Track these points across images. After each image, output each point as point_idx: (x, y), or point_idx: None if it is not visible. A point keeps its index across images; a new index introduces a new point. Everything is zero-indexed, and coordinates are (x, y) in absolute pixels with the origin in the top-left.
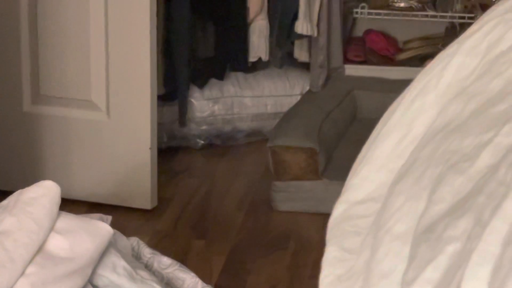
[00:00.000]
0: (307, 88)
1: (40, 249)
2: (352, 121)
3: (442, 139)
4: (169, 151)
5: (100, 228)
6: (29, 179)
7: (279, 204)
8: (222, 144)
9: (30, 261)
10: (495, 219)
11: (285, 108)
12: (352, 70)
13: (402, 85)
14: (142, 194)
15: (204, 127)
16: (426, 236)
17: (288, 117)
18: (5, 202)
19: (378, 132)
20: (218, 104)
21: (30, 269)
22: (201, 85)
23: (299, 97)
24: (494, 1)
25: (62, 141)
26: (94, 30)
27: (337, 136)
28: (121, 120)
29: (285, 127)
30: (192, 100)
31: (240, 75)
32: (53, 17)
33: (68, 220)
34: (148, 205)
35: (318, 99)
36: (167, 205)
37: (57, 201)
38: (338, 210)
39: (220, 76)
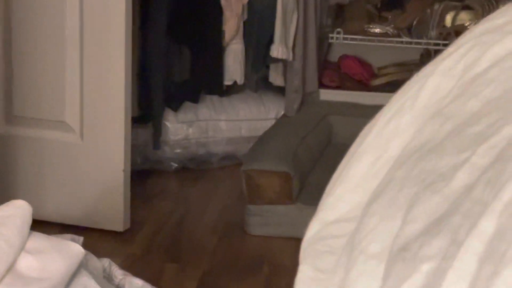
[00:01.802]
0: (282, 112)
1: (10, 269)
2: (326, 146)
3: (418, 160)
4: (143, 174)
5: (71, 249)
6: (0, 199)
7: (253, 228)
8: (196, 167)
9: (0, 281)
10: (471, 238)
11: (259, 132)
12: (327, 95)
13: (377, 110)
14: (115, 216)
15: (178, 150)
16: (401, 255)
17: (262, 141)
18: None
19: (353, 152)
20: (192, 128)
21: None
22: (176, 108)
23: (274, 121)
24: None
25: (35, 162)
26: (69, 51)
27: (311, 160)
28: (95, 142)
29: (260, 151)
30: (167, 123)
31: (215, 98)
32: (27, 38)
33: (39, 240)
34: (120, 228)
35: (293, 124)
36: (140, 228)
37: (28, 220)
38: (312, 230)
39: (195, 100)
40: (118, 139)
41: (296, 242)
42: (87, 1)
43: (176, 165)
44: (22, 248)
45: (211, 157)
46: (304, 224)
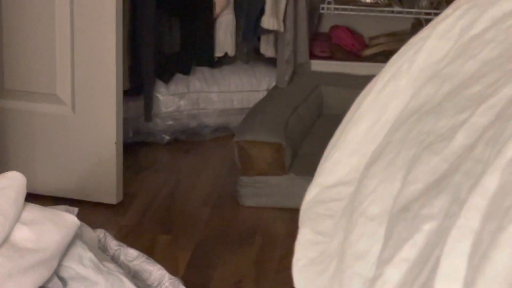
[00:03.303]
0: (274, 83)
1: (5, 240)
2: (318, 117)
3: (416, 121)
4: (135, 147)
5: (66, 220)
6: None
7: (245, 199)
8: (188, 139)
9: None
10: (473, 196)
11: (251, 104)
12: (318, 65)
13: (368, 80)
14: (108, 188)
15: (169, 123)
16: (402, 216)
17: (254, 113)
18: None
19: (351, 117)
20: (183, 100)
21: None
22: (167, 80)
23: (265, 93)
24: None
25: (27, 135)
26: (59, 23)
27: (303, 131)
28: (87, 115)
29: (252, 122)
30: (158, 95)
31: (206, 70)
32: (18, 10)
33: (34, 211)
34: (113, 200)
35: (285, 95)
36: (132, 200)
37: (23, 192)
38: (311, 194)
39: (186, 71)
40: (110, 111)
41: (288, 212)
42: None
43: (168, 137)
44: (17, 220)
45: (203, 129)
46: (296, 194)
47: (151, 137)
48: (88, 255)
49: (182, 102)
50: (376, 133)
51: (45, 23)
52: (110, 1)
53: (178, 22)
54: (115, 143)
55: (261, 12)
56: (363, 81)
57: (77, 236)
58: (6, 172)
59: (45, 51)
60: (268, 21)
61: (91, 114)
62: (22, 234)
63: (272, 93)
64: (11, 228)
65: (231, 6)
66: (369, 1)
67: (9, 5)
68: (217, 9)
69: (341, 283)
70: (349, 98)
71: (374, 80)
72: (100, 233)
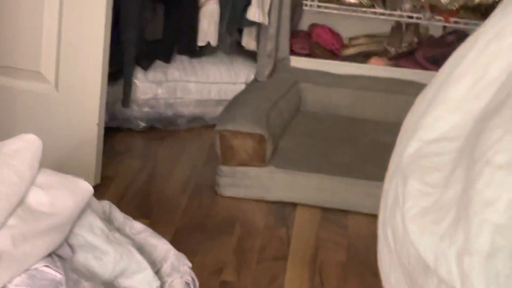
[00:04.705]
0: (251, 77)
1: (21, 202)
2: (296, 113)
3: None
4: (110, 132)
5: (80, 186)
6: None
7: (224, 189)
8: (163, 128)
9: (11, 213)
10: None
11: (228, 96)
12: (297, 62)
13: (346, 79)
14: (86, 170)
15: (146, 110)
16: None
17: (236, 103)
18: None
19: (448, 74)
20: (161, 88)
21: (11, 221)
22: (146, 67)
23: (243, 86)
24: (447, 4)
25: (8, 111)
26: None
27: (282, 126)
28: (70, 94)
29: (234, 112)
30: (136, 81)
31: (185, 59)
32: None
33: (49, 176)
34: (91, 182)
35: (265, 88)
36: (109, 183)
37: (39, 155)
38: (412, 147)
39: (167, 59)
40: (94, 92)
41: (266, 204)
42: None
43: (144, 124)
44: (32, 182)
45: (179, 118)
46: (275, 187)
47: (126, 123)
48: (99, 224)
49: (159, 90)
50: (480, 91)
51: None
52: None
53: (162, 8)
54: (97, 124)
55: (246, 3)
56: (342, 80)
57: (87, 205)
58: (23, 134)
59: (31, 27)
60: (254, 13)
61: (74, 94)
62: (37, 198)
63: (252, 86)
64: (27, 190)
65: None
66: (352, 1)
67: None
68: None
69: (467, 230)
70: (327, 96)
71: (473, 38)
72: (106, 204)
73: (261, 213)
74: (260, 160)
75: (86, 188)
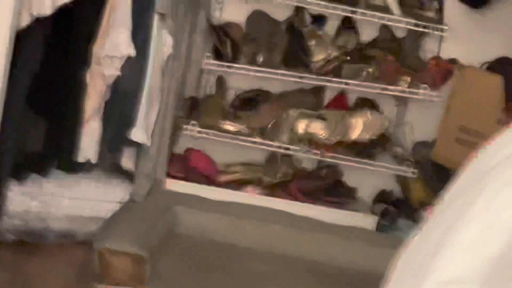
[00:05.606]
0: (127, 196)
1: None
2: (173, 235)
3: None
4: None
5: None
6: None
7: None
8: (33, 241)
9: None
10: None
11: (102, 214)
12: (173, 185)
13: (221, 206)
14: None
15: (16, 222)
16: None
17: (114, 222)
18: None
19: (457, 216)
20: (34, 201)
21: None
22: (22, 178)
23: (117, 205)
24: (324, 139)
25: None
26: None
27: (158, 247)
28: None
29: (114, 231)
30: (9, 192)
31: (62, 174)
32: None
33: None
34: None
35: (142, 209)
36: None
37: None
38: None
39: (43, 173)
40: None
41: None
42: None
43: (14, 237)
44: None
45: (49, 232)
46: None
47: None
48: None
49: (33, 203)
50: (491, 237)
51: None
52: None
53: (44, 122)
54: None
55: (129, 123)
56: (217, 206)
57: None
58: None
59: None
60: (137, 134)
61: None
62: None
63: (129, 205)
64: None
65: (100, 114)
66: (232, 129)
67: None
68: (87, 115)
69: None
70: (203, 220)
71: (478, 185)
72: None
73: None
74: (138, 281)
75: None
